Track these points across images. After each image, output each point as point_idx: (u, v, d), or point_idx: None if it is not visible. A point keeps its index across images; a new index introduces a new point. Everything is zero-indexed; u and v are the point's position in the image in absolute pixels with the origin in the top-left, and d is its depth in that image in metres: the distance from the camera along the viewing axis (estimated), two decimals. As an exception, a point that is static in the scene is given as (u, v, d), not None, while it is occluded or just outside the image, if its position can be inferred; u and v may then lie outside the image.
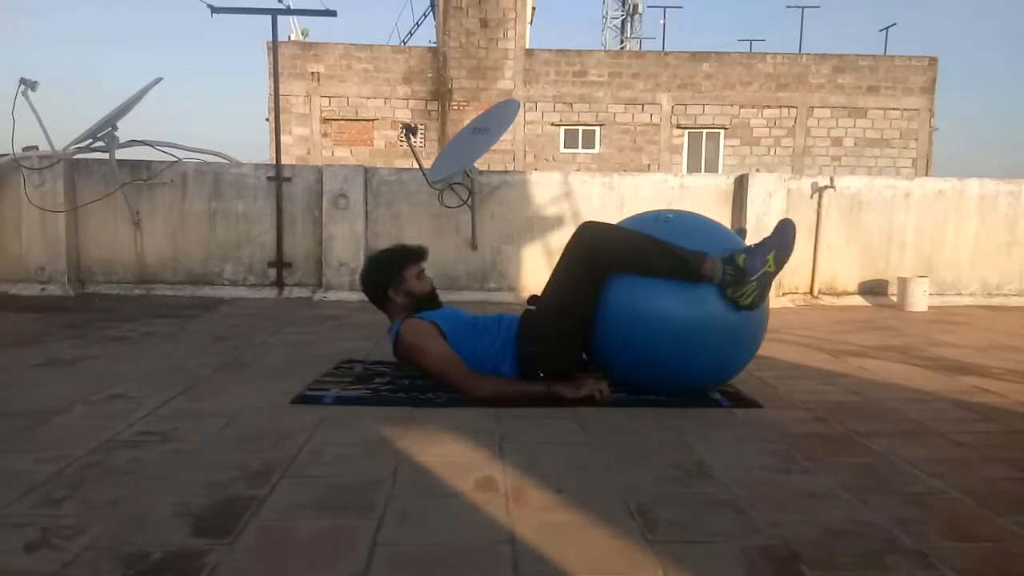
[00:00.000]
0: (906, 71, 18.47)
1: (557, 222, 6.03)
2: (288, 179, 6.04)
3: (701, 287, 2.43)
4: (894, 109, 18.51)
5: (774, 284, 5.68)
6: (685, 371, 2.55)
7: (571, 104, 18.28)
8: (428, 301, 2.85)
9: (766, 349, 3.73)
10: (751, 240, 2.68)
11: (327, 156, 17.81)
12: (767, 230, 6.08)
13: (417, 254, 2.91)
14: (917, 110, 18.55)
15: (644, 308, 2.46)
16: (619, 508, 1.63)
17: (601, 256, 2.49)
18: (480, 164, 5.93)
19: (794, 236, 2.54)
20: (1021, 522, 1.59)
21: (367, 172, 6.06)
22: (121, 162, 5.88)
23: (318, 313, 5.02)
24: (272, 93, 7.55)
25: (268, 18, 6.37)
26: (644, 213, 2.86)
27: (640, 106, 18.37)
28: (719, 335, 2.50)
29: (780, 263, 2.48)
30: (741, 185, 6.04)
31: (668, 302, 2.45)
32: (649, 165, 18.27)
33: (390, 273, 2.84)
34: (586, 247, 2.51)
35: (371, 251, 5.91)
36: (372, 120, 18.20)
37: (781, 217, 5.83)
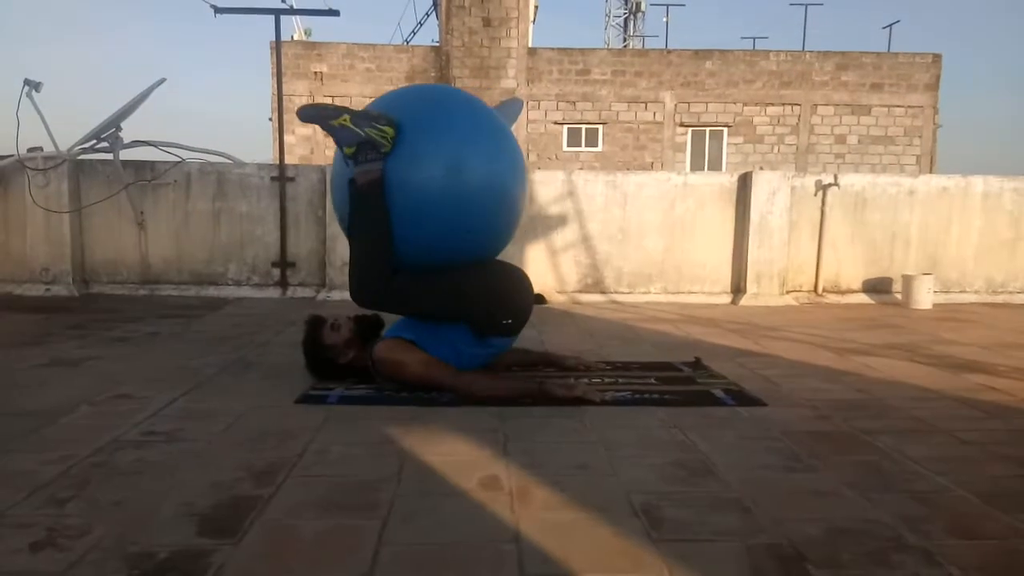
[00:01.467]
0: (910, 68, 18.40)
1: (560, 220, 6.02)
2: (291, 179, 6.05)
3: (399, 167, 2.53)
4: (898, 106, 18.45)
5: (779, 283, 5.69)
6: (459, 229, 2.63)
7: (574, 103, 18.26)
8: (367, 330, 2.82)
9: (770, 347, 3.74)
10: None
11: (330, 156, 17.79)
12: (771, 228, 6.06)
13: (314, 326, 2.84)
14: (921, 107, 18.49)
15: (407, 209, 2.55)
16: (623, 507, 1.63)
17: (382, 288, 2.63)
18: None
19: (309, 107, 2.57)
20: (1027, 520, 1.59)
21: (370, 171, 6.05)
22: (125, 163, 5.88)
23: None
24: (275, 93, 7.55)
25: (271, 18, 6.38)
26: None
27: (643, 104, 18.33)
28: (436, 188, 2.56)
29: (336, 112, 2.54)
30: (745, 183, 6.03)
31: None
32: (652, 163, 18.24)
33: (321, 356, 2.80)
34: (376, 301, 2.70)
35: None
36: (375, 119, 18.19)
37: (783, 213, 5.83)
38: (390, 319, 2.84)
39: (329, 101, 17.88)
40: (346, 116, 2.51)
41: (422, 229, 2.57)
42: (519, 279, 2.89)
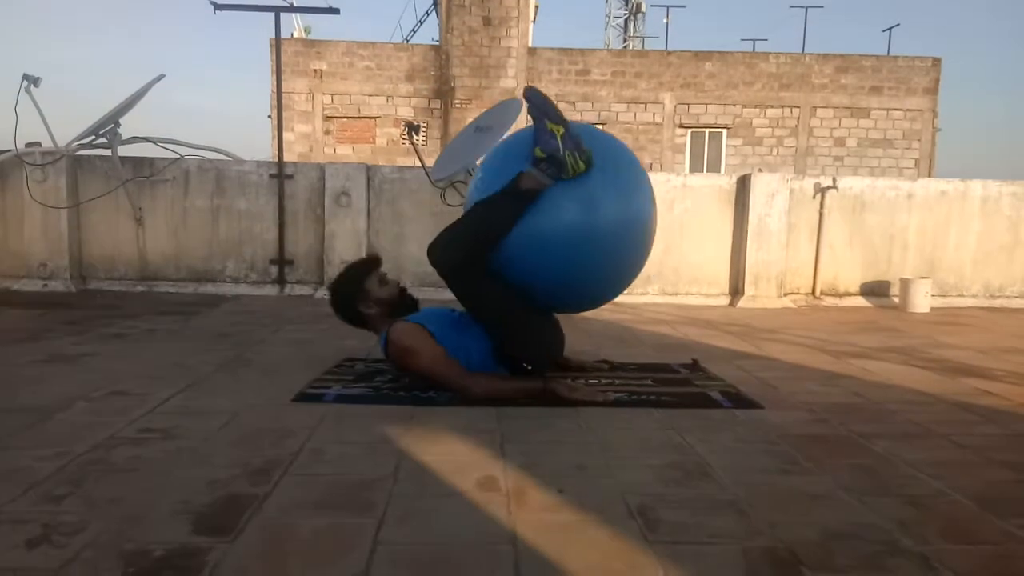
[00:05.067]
0: (909, 71, 18.42)
1: (559, 221, 6.02)
2: (290, 176, 6.05)
3: (557, 201, 2.53)
4: (897, 109, 18.47)
5: (777, 285, 5.69)
6: (590, 276, 2.67)
7: (574, 103, 18.25)
8: (401, 303, 2.85)
9: (767, 350, 3.74)
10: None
11: (329, 154, 17.80)
12: (769, 231, 6.07)
13: (370, 263, 2.90)
14: (920, 111, 18.51)
15: (535, 236, 2.55)
16: (620, 508, 1.63)
17: (460, 263, 2.60)
18: (482, 162, 5.91)
19: (542, 95, 2.59)
20: (1022, 525, 1.59)
21: (369, 170, 6.06)
22: (123, 159, 5.88)
23: (319, 311, 5.02)
24: (275, 90, 7.54)
25: (271, 15, 6.37)
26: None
27: (643, 105, 18.34)
28: (600, 226, 2.58)
29: (559, 119, 2.54)
30: (743, 185, 6.04)
31: (545, 224, 2.55)
32: (651, 164, 18.24)
33: (352, 290, 2.83)
34: (446, 266, 2.62)
35: (372, 249, 5.93)
36: (374, 118, 18.19)
37: (781, 215, 5.82)
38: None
39: (329, 99, 17.90)
40: (562, 129, 2.51)
41: (545, 257, 2.58)
42: (558, 340, 2.89)
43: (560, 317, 2.95)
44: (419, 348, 2.60)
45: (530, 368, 2.72)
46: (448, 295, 2.76)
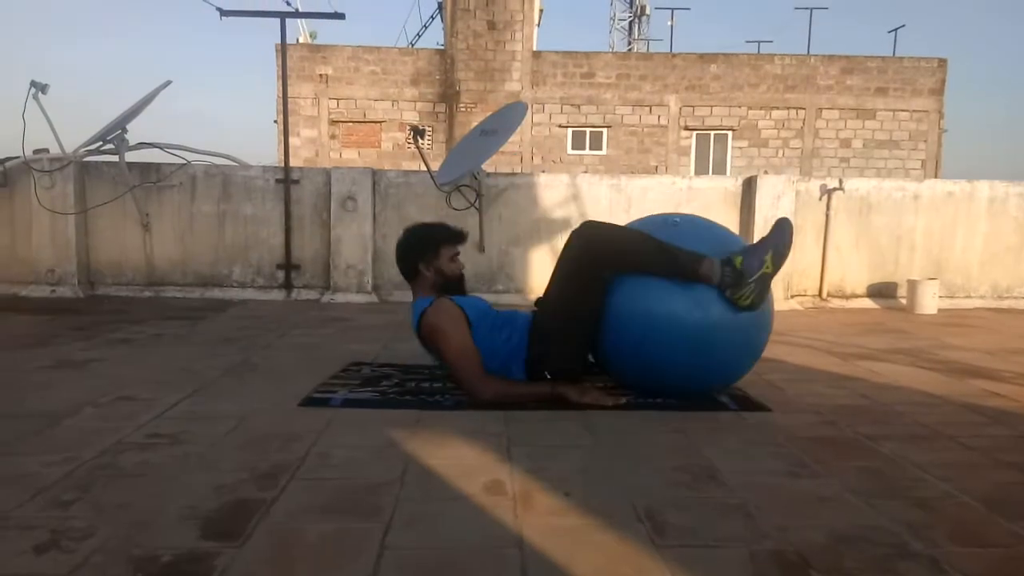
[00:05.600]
0: (915, 72, 18.39)
1: (565, 224, 6.02)
2: (296, 181, 6.06)
3: (707, 290, 2.44)
4: (903, 111, 18.43)
5: (782, 287, 5.67)
6: (695, 373, 2.55)
7: (579, 106, 18.28)
8: (456, 286, 2.84)
9: (774, 352, 3.73)
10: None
11: (335, 158, 17.86)
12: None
13: (456, 236, 2.87)
14: (926, 112, 18.47)
15: (657, 310, 2.47)
16: (627, 512, 1.63)
17: (598, 254, 2.52)
18: (488, 166, 5.92)
19: (791, 235, 2.52)
20: (1032, 527, 1.58)
21: (375, 174, 6.07)
22: (131, 165, 5.90)
23: (326, 315, 5.03)
24: (280, 95, 7.57)
25: (277, 21, 6.40)
26: (652, 216, 2.88)
27: (648, 108, 18.34)
28: (725, 336, 2.50)
29: (778, 264, 2.47)
30: (749, 187, 6.03)
31: (678, 304, 2.45)
32: (657, 167, 18.24)
33: (424, 248, 2.82)
34: (584, 244, 2.55)
35: (378, 253, 5.94)
36: (380, 122, 18.24)
37: (787, 217, 5.82)
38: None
39: (334, 104, 17.94)
40: (771, 269, 2.44)
41: (670, 340, 2.47)
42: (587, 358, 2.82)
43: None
44: (451, 332, 2.59)
45: (549, 378, 2.67)
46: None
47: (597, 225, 2.63)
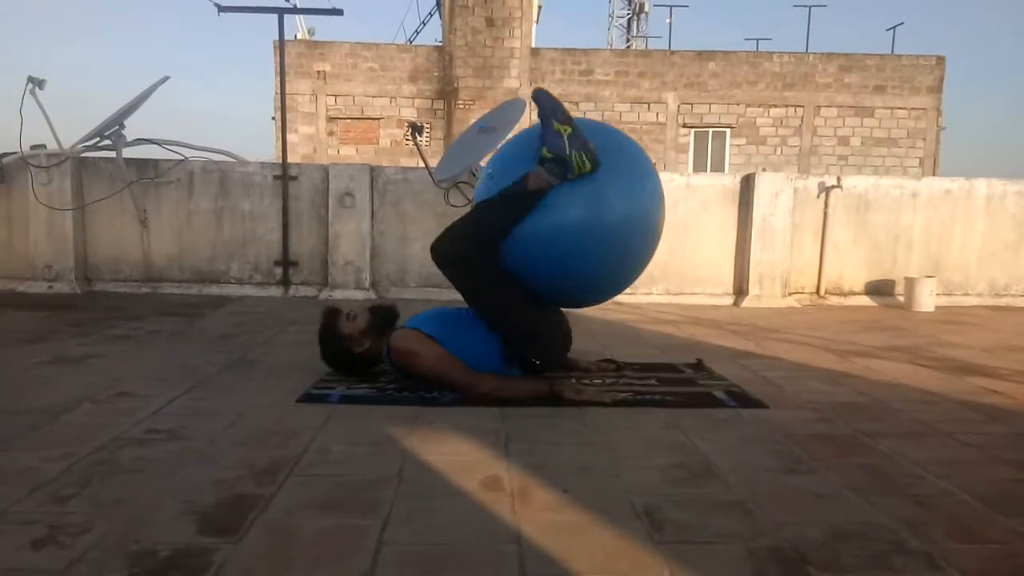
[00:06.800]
0: (913, 70, 18.38)
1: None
2: (294, 178, 6.05)
3: (564, 198, 2.55)
4: (901, 108, 18.42)
5: (782, 284, 5.66)
6: (594, 271, 2.69)
7: (577, 103, 18.23)
8: (381, 319, 2.82)
9: (772, 349, 3.74)
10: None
11: (333, 155, 17.82)
12: (773, 230, 6.04)
13: (329, 315, 2.87)
14: (924, 109, 18.46)
15: (554, 232, 2.57)
16: (625, 508, 1.63)
17: (462, 256, 2.62)
18: (486, 163, 5.91)
19: (550, 95, 2.61)
20: (1029, 524, 1.59)
21: (373, 171, 6.06)
22: (128, 160, 5.88)
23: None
24: (278, 92, 7.55)
25: (275, 17, 6.38)
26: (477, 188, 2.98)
27: (646, 105, 18.32)
28: (605, 223, 2.60)
29: (567, 119, 2.55)
30: (747, 184, 6.03)
31: (560, 215, 2.56)
32: (655, 164, 18.23)
33: (338, 346, 2.82)
34: (449, 262, 2.65)
35: (376, 250, 5.94)
36: (378, 119, 18.20)
37: (785, 214, 5.81)
38: (406, 314, 2.85)
39: (332, 100, 17.92)
40: (569, 128, 2.52)
41: (549, 252, 2.59)
42: (566, 335, 2.90)
43: (565, 315, 2.95)
44: (420, 350, 2.61)
45: (538, 363, 2.73)
46: (453, 295, 2.76)
47: (439, 240, 2.68)
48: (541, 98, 2.61)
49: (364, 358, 2.81)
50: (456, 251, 2.63)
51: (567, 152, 2.50)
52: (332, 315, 2.87)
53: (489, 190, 2.73)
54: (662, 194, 2.87)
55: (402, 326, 2.75)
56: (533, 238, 2.57)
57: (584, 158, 2.52)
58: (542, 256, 2.59)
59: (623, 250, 2.71)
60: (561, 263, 2.60)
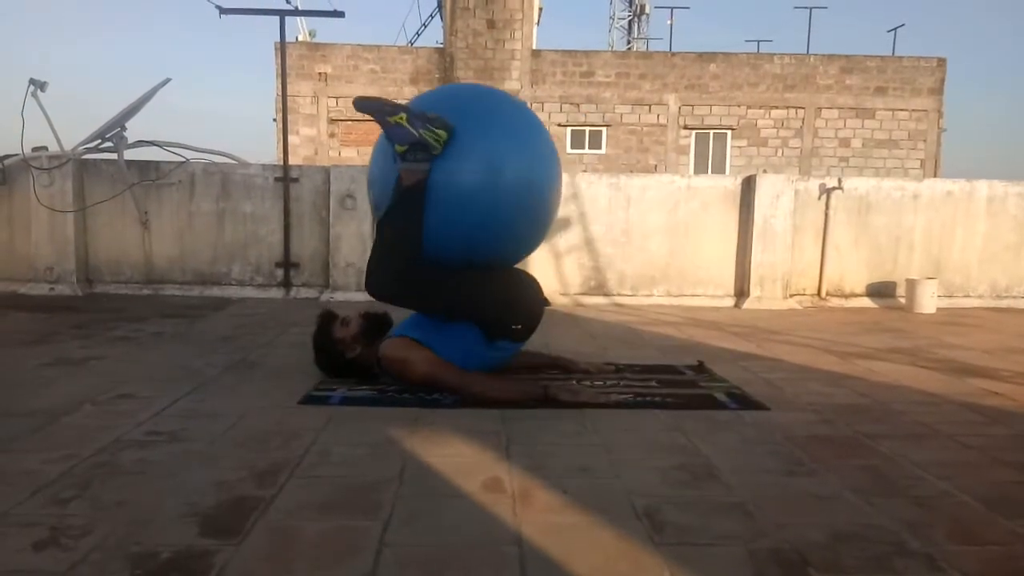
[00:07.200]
0: (914, 72, 18.38)
1: (564, 223, 6.02)
2: (295, 180, 6.06)
3: (453, 162, 2.57)
4: (902, 110, 18.42)
5: (783, 286, 5.67)
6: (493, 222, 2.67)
7: (578, 105, 18.26)
8: (373, 325, 2.84)
9: (773, 351, 3.74)
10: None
11: (334, 156, 17.84)
12: (774, 231, 6.04)
13: (324, 319, 2.91)
14: (925, 111, 18.46)
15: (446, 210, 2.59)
16: (626, 510, 1.63)
17: (395, 285, 2.67)
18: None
19: (367, 99, 2.61)
20: (1030, 526, 1.59)
21: (374, 173, 6.06)
22: (129, 162, 5.89)
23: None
24: (279, 94, 7.56)
25: (276, 19, 6.39)
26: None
27: (647, 107, 18.33)
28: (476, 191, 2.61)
29: (394, 108, 2.55)
30: (749, 186, 6.03)
31: (460, 184, 2.59)
32: (656, 166, 18.23)
33: (329, 347, 2.85)
34: (384, 294, 2.71)
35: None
36: (379, 121, 18.21)
37: (786, 216, 5.82)
38: (398, 318, 2.85)
39: (334, 103, 17.94)
40: (403, 115, 2.52)
41: (455, 227, 2.61)
42: (530, 286, 2.91)
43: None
44: (412, 357, 2.61)
45: (519, 327, 2.74)
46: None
47: (367, 279, 2.73)
48: (363, 106, 2.61)
49: (357, 364, 2.81)
50: (387, 277, 2.67)
51: (417, 135, 2.51)
52: (327, 319, 2.90)
53: (380, 208, 2.77)
54: (536, 123, 2.89)
55: (390, 335, 2.76)
56: (440, 219, 2.59)
57: (434, 129, 2.52)
58: (456, 231, 2.62)
59: (517, 182, 2.69)
60: (472, 225, 2.62)
